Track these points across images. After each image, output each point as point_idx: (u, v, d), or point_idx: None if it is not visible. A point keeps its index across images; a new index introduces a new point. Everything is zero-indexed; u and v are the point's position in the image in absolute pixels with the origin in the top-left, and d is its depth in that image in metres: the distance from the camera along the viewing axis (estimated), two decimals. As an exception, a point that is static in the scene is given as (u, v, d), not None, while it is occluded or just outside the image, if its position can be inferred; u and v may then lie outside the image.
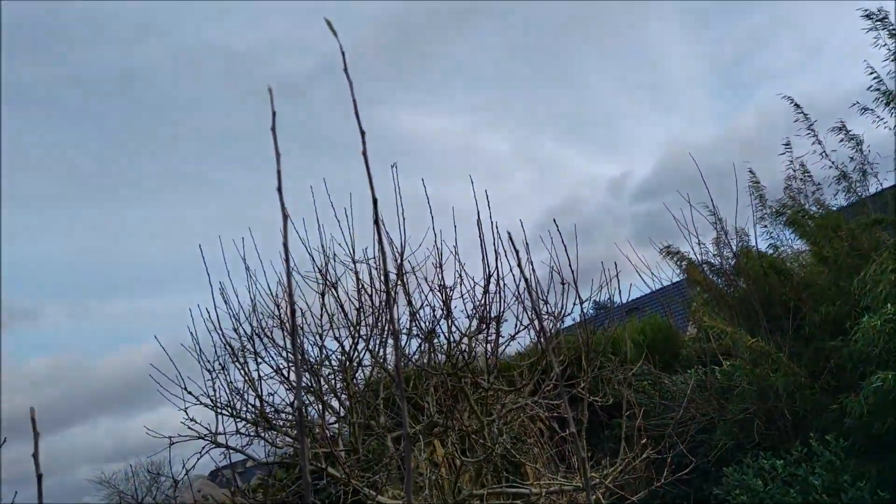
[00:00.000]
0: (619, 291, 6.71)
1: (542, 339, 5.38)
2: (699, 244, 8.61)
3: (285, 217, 1.06)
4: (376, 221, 1.34)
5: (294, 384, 6.08)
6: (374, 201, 1.32)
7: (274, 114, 1.14)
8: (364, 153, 1.34)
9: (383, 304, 6.16)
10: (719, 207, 8.41)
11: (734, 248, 8.47)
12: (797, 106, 8.63)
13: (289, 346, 6.06)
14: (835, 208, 8.65)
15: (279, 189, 1.10)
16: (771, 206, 8.60)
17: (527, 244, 6.11)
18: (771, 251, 8.53)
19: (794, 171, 8.41)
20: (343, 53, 1.33)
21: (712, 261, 8.82)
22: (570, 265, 5.98)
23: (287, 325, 6.43)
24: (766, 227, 8.48)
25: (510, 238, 1.39)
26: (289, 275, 1.03)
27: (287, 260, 0.88)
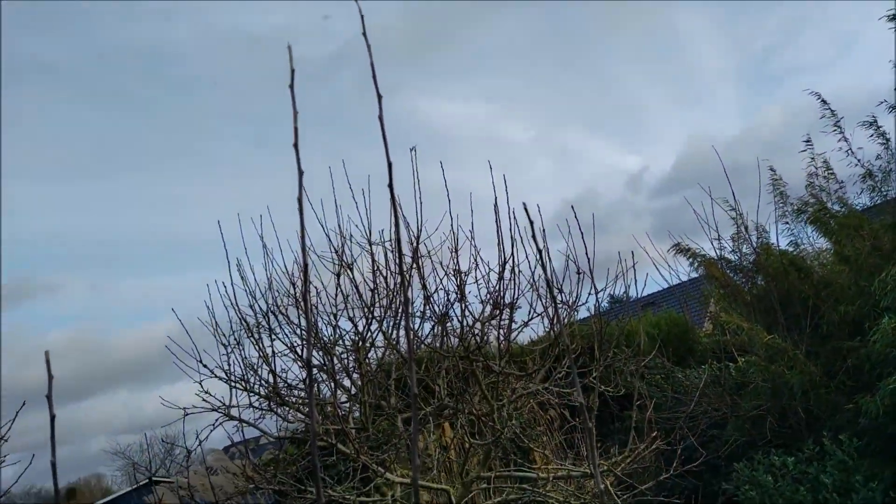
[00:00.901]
0: (636, 283, 6.67)
1: (555, 325, 5.37)
2: (718, 239, 8.52)
3: (300, 173, 1.07)
4: (391, 185, 1.35)
5: (306, 360, 6.14)
6: (389, 165, 1.33)
7: (293, 71, 1.15)
8: (380, 117, 1.35)
9: (398, 285, 6.20)
10: (740, 203, 8.31)
11: (754, 244, 8.37)
12: (824, 102, 8.47)
13: (303, 323, 6.12)
14: (859, 207, 8.50)
15: (295, 145, 1.11)
16: (792, 204, 8.48)
17: (544, 231, 6.09)
18: (791, 249, 8.42)
19: (816, 168, 8.27)
20: (362, 17, 1.34)
21: (730, 257, 8.73)
22: (586, 255, 5.97)
23: (301, 302, 6.50)
24: (787, 223, 8.36)
25: (526, 210, 1.39)
26: (302, 231, 1.04)
27: (301, 215, 0.89)
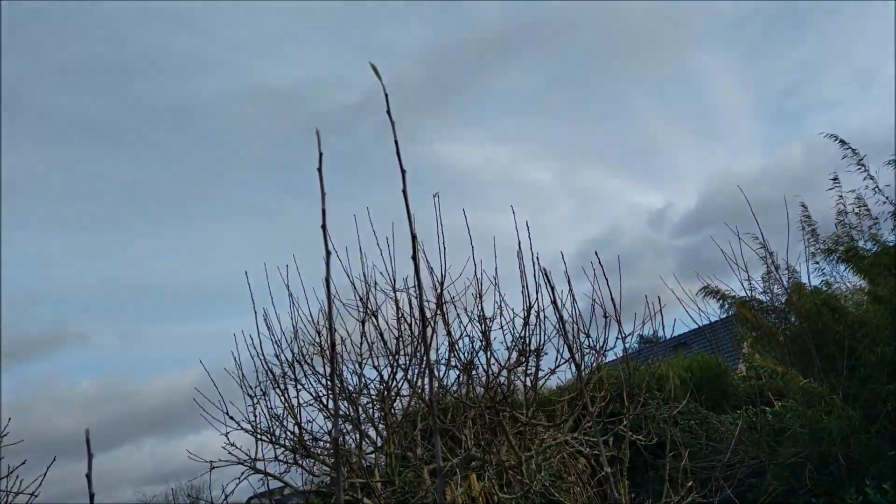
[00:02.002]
0: (664, 326, 6.58)
1: (580, 375, 5.29)
2: (748, 280, 8.38)
3: (328, 254, 1.09)
4: (414, 257, 1.37)
5: (333, 412, 6.11)
6: (413, 237, 1.35)
7: (321, 154, 1.18)
8: (404, 191, 1.38)
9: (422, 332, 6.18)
10: (769, 242, 8.19)
11: (785, 284, 8.22)
12: (843, 142, 8.41)
13: (328, 371, 6.12)
14: (892, 244, 8.32)
15: (323, 227, 1.13)
16: (824, 242, 8.34)
17: (567, 276, 6.05)
18: (824, 288, 8.24)
19: (846, 205, 8.15)
20: (386, 96, 1.38)
21: (761, 297, 8.57)
22: (611, 298, 5.91)
23: (328, 353, 6.51)
24: (817, 263, 8.21)
25: (545, 275, 1.40)
26: (330, 310, 1.06)
27: (329, 295, 0.91)
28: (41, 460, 5.94)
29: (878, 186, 8.21)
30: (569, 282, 5.92)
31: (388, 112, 1.39)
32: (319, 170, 1.17)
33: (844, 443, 6.73)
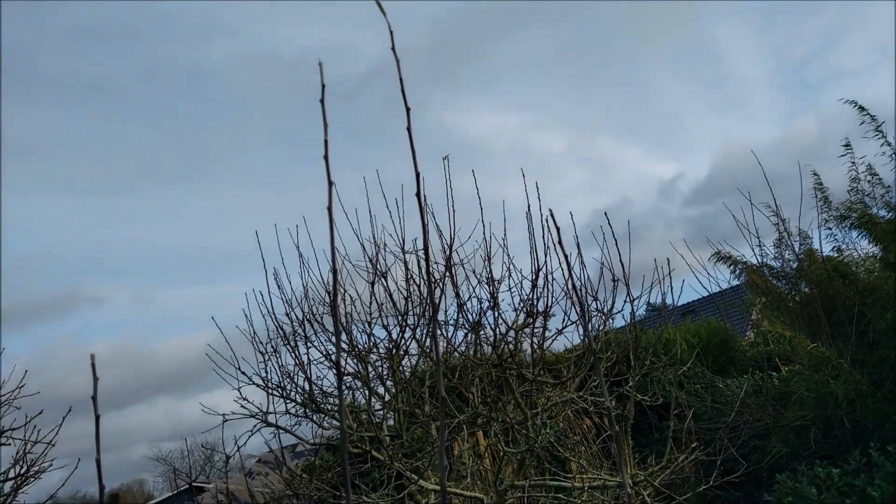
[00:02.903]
0: (672, 291, 6.57)
1: (587, 332, 5.32)
2: (759, 245, 8.33)
3: (330, 184, 1.10)
4: (418, 194, 1.37)
5: (342, 367, 6.21)
6: (417, 175, 1.36)
7: (323, 86, 1.19)
8: (408, 128, 1.38)
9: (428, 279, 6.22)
10: (781, 208, 8.12)
11: (797, 250, 8.16)
12: (862, 109, 8.24)
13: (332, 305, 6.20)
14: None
15: (325, 157, 1.14)
16: (836, 209, 8.24)
17: (577, 238, 6.04)
18: (835, 254, 8.18)
19: (858, 172, 8.04)
20: (391, 32, 1.37)
21: (772, 264, 8.53)
22: (620, 262, 5.91)
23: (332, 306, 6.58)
24: (829, 229, 8.13)
25: (553, 218, 1.41)
26: (332, 240, 1.07)
27: (331, 225, 0.93)
28: (56, 418, 6.11)
29: (894, 152, 8.07)
30: (578, 245, 5.93)
31: (393, 49, 1.38)
32: (322, 101, 1.17)
33: (850, 407, 6.77)
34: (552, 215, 1.35)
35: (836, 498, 5.76)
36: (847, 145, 8.00)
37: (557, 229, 1.38)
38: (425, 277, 6.36)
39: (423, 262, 6.71)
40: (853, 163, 7.96)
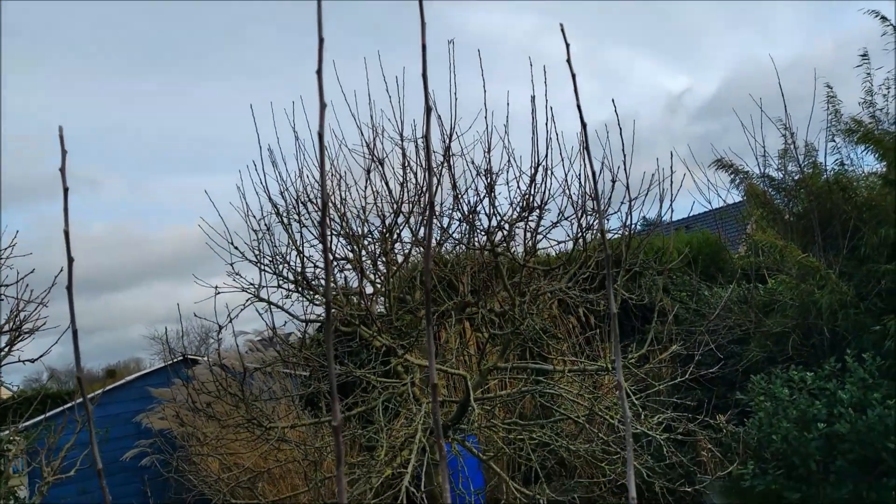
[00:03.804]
0: (672, 195, 6.51)
1: (580, 227, 5.31)
2: (764, 156, 8.20)
3: (323, 106, 1.00)
4: (424, 74, 1.27)
5: (332, 251, 6.24)
6: (424, 48, 1.25)
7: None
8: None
9: (427, 180, 6.16)
10: (791, 117, 7.92)
11: (800, 161, 8.05)
12: (884, 19, 7.85)
13: (333, 213, 6.17)
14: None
15: (319, 72, 1.03)
16: (845, 123, 8.06)
17: (586, 140, 5.89)
18: (838, 168, 8.09)
19: (874, 84, 7.79)
20: None
21: (774, 174, 8.44)
22: (625, 168, 5.80)
23: (330, 200, 6.53)
24: (835, 142, 7.98)
25: (562, 32, 1.33)
26: (322, 169, 0.99)
27: (322, 152, 0.85)
28: (54, 294, 6.16)
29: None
30: (586, 145, 5.80)
31: None
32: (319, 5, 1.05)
33: (832, 317, 6.91)
34: (562, 29, 1.26)
35: (807, 400, 5.98)
36: (864, 55, 7.71)
37: (567, 46, 1.29)
38: (423, 164, 6.27)
39: (421, 151, 6.62)
40: (868, 73, 7.70)
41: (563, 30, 1.35)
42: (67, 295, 0.94)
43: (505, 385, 7.10)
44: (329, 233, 6.25)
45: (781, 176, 8.42)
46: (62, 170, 0.99)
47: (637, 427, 5.16)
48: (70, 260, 0.98)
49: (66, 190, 0.99)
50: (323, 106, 1.02)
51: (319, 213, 6.29)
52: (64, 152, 1.00)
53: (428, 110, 1.12)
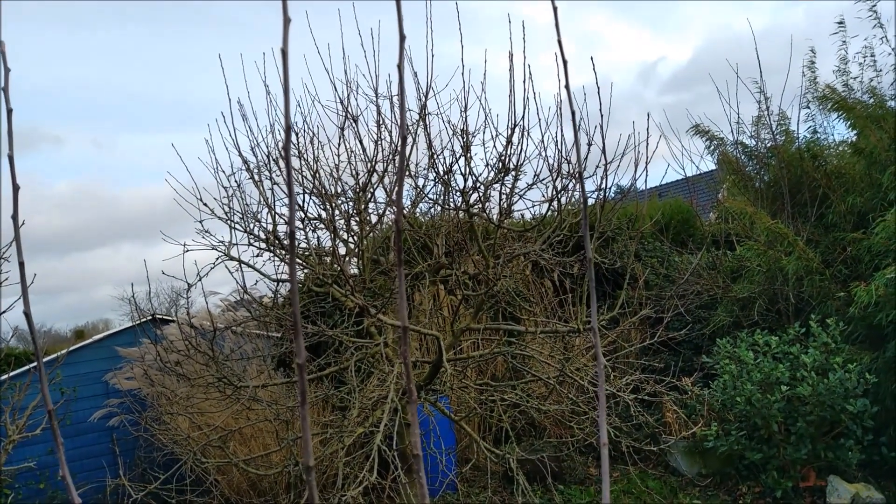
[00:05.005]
0: (647, 160, 6.51)
1: (556, 189, 5.28)
2: (738, 122, 8.24)
3: (287, 21, 0.92)
4: (399, 16, 1.20)
5: (305, 210, 6.14)
6: None
7: None
8: None
9: (400, 138, 6.07)
10: (766, 83, 7.94)
11: (774, 129, 8.10)
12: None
13: (305, 171, 6.05)
14: (891, 101, 8.14)
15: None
16: (820, 90, 8.11)
17: (560, 107, 5.82)
18: (809, 136, 8.17)
19: (847, 52, 7.83)
20: None
21: (747, 142, 8.50)
22: (601, 128, 5.76)
23: (304, 156, 6.39)
24: (809, 108, 8.04)
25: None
26: (286, 85, 0.92)
27: (286, 69, 0.78)
28: (12, 252, 5.97)
29: (885, 36, 7.84)
30: (560, 115, 5.73)
31: None
32: None
33: (798, 283, 7.05)
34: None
35: (771, 363, 6.13)
36: (840, 22, 7.73)
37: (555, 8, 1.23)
38: (398, 120, 6.16)
39: (396, 109, 6.50)
40: (843, 42, 7.73)
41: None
42: (13, 225, 0.88)
43: (478, 347, 7.15)
44: (297, 175, 6.11)
45: (755, 143, 8.49)
46: (4, 89, 0.92)
47: (606, 388, 5.24)
48: (15, 188, 0.92)
49: (9, 111, 0.92)
50: (287, 21, 0.94)
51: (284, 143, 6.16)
52: (7, 70, 0.93)
53: (402, 38, 1.05)
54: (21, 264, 0.94)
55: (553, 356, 5.43)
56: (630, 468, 6.91)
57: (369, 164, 6.36)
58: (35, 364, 7.43)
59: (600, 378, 1.11)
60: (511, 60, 5.16)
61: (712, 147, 8.61)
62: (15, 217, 0.92)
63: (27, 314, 0.96)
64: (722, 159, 8.68)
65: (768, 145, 8.18)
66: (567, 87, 1.27)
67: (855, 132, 7.92)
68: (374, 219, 6.46)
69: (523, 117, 5.61)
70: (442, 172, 6.01)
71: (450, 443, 7.13)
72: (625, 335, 6.68)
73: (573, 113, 1.31)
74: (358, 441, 5.67)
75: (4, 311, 5.15)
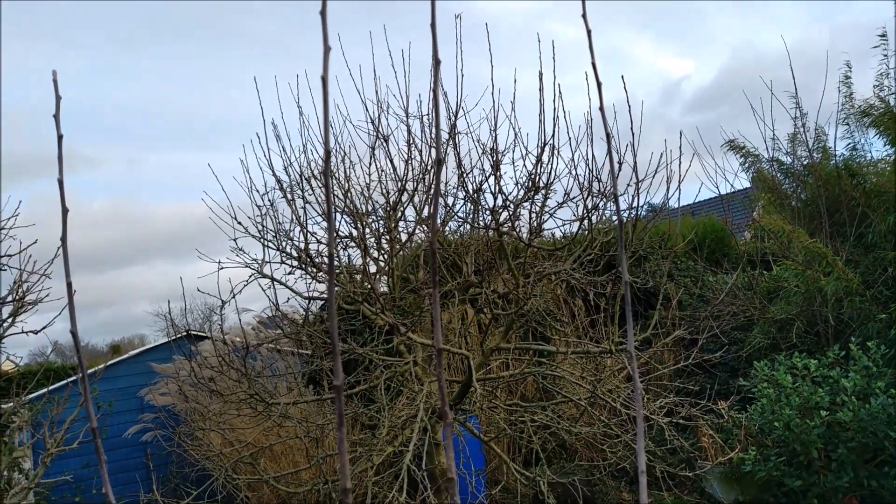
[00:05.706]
0: (680, 178, 6.44)
1: (586, 208, 5.25)
2: (773, 138, 8.10)
3: (327, 49, 0.94)
4: (433, 24, 1.22)
5: (336, 229, 6.20)
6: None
7: None
8: None
9: (432, 158, 6.11)
10: (801, 99, 7.82)
11: (810, 145, 7.95)
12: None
13: (336, 190, 6.13)
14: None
15: (322, 12, 0.98)
16: (858, 106, 7.95)
17: (590, 126, 5.80)
18: (847, 153, 7.99)
19: (889, 66, 7.67)
20: None
21: (784, 159, 8.35)
22: (632, 146, 5.72)
23: (333, 175, 6.48)
24: (847, 125, 7.87)
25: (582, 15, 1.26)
26: (326, 110, 0.95)
27: (325, 95, 0.80)
28: (57, 269, 6.14)
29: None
30: (590, 131, 5.72)
31: None
32: None
33: (837, 304, 6.86)
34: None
35: (810, 387, 5.95)
36: (883, 35, 7.58)
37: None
38: (429, 141, 6.21)
39: (426, 128, 6.55)
40: (885, 55, 7.58)
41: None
42: (62, 246, 0.90)
43: (507, 366, 7.10)
44: (332, 196, 6.21)
45: (790, 161, 8.33)
46: (56, 116, 0.96)
47: (639, 410, 5.15)
48: (65, 211, 0.95)
49: (59, 137, 0.95)
50: (327, 49, 0.96)
51: (323, 185, 6.24)
52: (58, 98, 0.97)
53: (436, 63, 1.07)
54: (69, 285, 0.97)
55: (584, 377, 5.36)
56: (665, 494, 6.74)
57: (400, 183, 6.42)
58: (73, 378, 7.61)
59: (637, 402, 1.09)
60: (541, 80, 5.17)
61: (747, 164, 8.49)
62: (64, 239, 0.95)
63: (73, 333, 0.99)
64: (757, 177, 8.53)
65: (805, 163, 8.03)
66: (602, 108, 1.27)
67: (893, 149, 7.74)
68: (403, 237, 6.50)
69: (553, 135, 5.61)
70: (472, 191, 6.03)
71: (479, 464, 7.07)
72: (658, 356, 6.56)
73: (608, 135, 1.31)
74: (387, 460, 5.65)
75: (45, 327, 5.29)
